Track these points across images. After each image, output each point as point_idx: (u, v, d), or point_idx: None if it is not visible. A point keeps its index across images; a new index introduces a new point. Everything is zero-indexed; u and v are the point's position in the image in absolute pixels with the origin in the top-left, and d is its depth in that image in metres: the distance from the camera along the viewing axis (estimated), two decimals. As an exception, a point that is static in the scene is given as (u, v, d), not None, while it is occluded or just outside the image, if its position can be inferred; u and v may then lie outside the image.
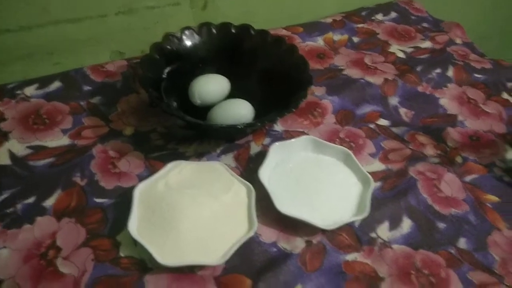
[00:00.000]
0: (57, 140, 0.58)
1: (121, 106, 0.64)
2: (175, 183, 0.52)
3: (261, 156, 0.58)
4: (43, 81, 0.66)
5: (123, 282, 0.45)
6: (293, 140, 0.59)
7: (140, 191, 0.50)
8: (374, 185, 0.55)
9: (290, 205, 0.51)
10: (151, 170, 0.56)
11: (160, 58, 0.61)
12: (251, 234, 0.48)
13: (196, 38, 0.65)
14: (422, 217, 0.55)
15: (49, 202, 0.51)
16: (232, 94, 0.63)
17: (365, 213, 0.51)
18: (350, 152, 0.58)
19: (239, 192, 0.53)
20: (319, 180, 0.55)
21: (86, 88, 0.66)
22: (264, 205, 0.52)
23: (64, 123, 0.61)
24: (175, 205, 0.49)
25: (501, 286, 0.49)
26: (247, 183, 0.53)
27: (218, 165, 0.56)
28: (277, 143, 0.58)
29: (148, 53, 0.60)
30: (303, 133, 0.64)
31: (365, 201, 0.53)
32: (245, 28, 0.66)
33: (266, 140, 0.62)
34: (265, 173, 0.54)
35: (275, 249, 0.50)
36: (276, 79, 0.63)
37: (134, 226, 0.47)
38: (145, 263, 0.47)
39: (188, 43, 0.65)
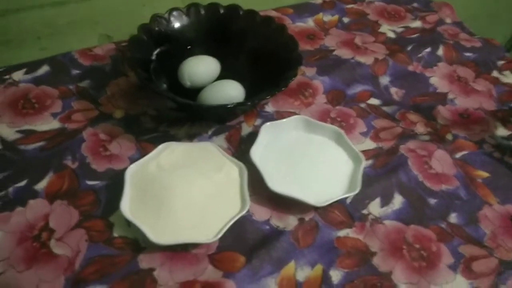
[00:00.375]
0: (47, 124, 0.58)
1: (110, 89, 0.64)
2: (166, 164, 0.52)
3: (253, 136, 0.58)
4: (31, 66, 0.65)
5: (116, 262, 0.46)
6: (284, 120, 0.59)
7: (131, 173, 0.50)
8: (365, 162, 0.55)
9: (282, 184, 0.52)
10: (143, 152, 0.56)
11: (148, 39, 0.60)
12: (244, 212, 0.48)
13: (184, 19, 0.65)
14: (413, 193, 0.56)
15: (41, 185, 0.51)
16: (222, 76, 0.63)
17: (356, 190, 0.52)
18: (341, 131, 0.58)
19: (231, 172, 0.53)
20: (310, 159, 0.56)
21: (75, 72, 0.66)
22: (256, 185, 0.52)
23: (53, 107, 0.60)
24: (167, 185, 0.49)
25: (491, 258, 0.50)
26: (239, 162, 0.54)
27: (210, 145, 0.56)
28: (268, 123, 0.58)
29: (136, 35, 0.59)
30: (294, 113, 0.64)
31: (357, 178, 0.53)
32: (233, 8, 0.66)
33: (258, 121, 0.62)
34: (257, 152, 0.55)
35: (267, 227, 0.50)
36: (266, 60, 0.63)
37: (127, 206, 0.47)
38: (138, 243, 0.47)
39: (176, 24, 0.64)
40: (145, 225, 0.45)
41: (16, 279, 0.43)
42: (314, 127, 0.59)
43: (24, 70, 0.65)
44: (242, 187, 0.51)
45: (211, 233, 0.46)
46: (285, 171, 0.54)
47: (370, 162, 0.58)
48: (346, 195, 0.52)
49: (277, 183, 0.51)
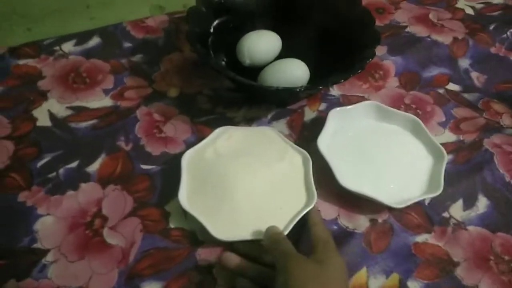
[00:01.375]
0: (99, 100, 0.54)
1: (164, 65, 0.59)
2: (224, 150, 0.48)
3: (316, 123, 0.53)
4: (81, 37, 0.62)
5: (173, 256, 0.42)
6: (354, 105, 0.53)
7: (187, 160, 0.46)
8: (447, 159, 0.49)
9: (352, 179, 0.46)
10: (199, 136, 0.51)
11: (207, 10, 0.55)
12: (311, 205, 0.43)
13: (247, -12, 0.59)
14: (500, 196, 0.49)
15: (93, 168, 0.48)
16: (283, 54, 0.57)
17: (439, 191, 0.46)
18: (419, 120, 0.52)
19: (294, 160, 0.48)
20: (384, 152, 0.50)
21: (127, 45, 0.61)
22: (322, 178, 0.47)
23: (105, 83, 0.56)
24: (227, 174, 0.45)
25: None
26: (302, 150, 0.49)
27: (269, 130, 0.51)
28: (337, 109, 0.52)
29: (194, 5, 0.54)
30: (363, 98, 0.57)
31: (438, 176, 0.47)
32: (300, -22, 0.59)
33: (322, 106, 0.56)
34: (324, 142, 0.49)
35: (335, 227, 0.45)
36: (334, 36, 0.57)
37: (184, 197, 0.43)
38: (196, 236, 0.43)
39: (237, -6, 0.58)
40: (206, 218, 0.42)
41: (69, 269, 0.41)
42: (387, 114, 0.53)
43: (74, 41, 0.61)
44: (307, 178, 0.47)
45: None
46: (355, 165, 0.49)
47: (450, 157, 0.51)
48: (426, 196, 0.46)
49: (347, 177, 0.46)
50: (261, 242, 0.40)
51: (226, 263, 0.40)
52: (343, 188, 0.45)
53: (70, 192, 0.46)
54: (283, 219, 0.43)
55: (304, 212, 0.43)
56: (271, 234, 0.39)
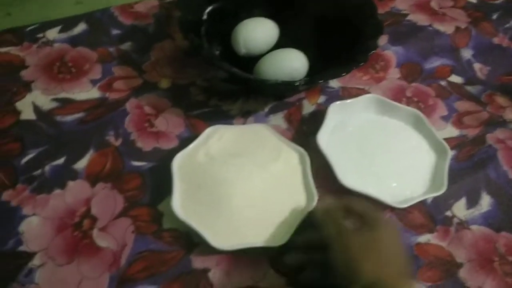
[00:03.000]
0: (85, 92, 0.51)
1: (154, 53, 0.56)
2: (216, 152, 0.45)
3: (315, 116, 0.51)
4: (67, 23, 0.58)
5: (167, 259, 0.40)
6: (354, 99, 0.51)
7: (179, 164, 0.44)
8: (451, 155, 0.47)
9: (354, 177, 0.45)
10: (192, 130, 0.49)
11: (200, -4, 0.52)
12: (312, 207, 0.42)
13: (242, -27, 0.55)
14: (503, 193, 0.48)
15: (80, 164, 0.45)
16: (281, 43, 0.55)
17: (442, 189, 0.44)
18: (422, 115, 0.50)
19: (290, 159, 0.46)
20: (385, 148, 0.48)
21: (115, 31, 0.58)
22: (320, 174, 0.45)
23: (92, 73, 0.53)
24: (222, 179, 0.42)
25: None
26: (298, 147, 0.46)
27: (262, 127, 0.49)
28: (336, 103, 0.50)
29: (187, -9, 0.51)
30: (363, 90, 0.55)
31: (441, 174, 0.46)
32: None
33: (321, 98, 0.54)
34: (323, 138, 0.47)
35: (336, 226, 0.44)
36: (334, 24, 0.54)
37: (178, 204, 0.41)
38: (190, 238, 0.41)
39: (232, -21, 0.55)
40: (203, 226, 0.39)
41: (57, 273, 0.39)
42: (389, 108, 0.51)
43: (59, 27, 0.57)
44: (305, 177, 0.45)
45: (276, 233, 0.40)
46: (356, 162, 0.47)
47: (453, 153, 0.50)
48: (430, 195, 0.44)
49: (348, 175, 0.44)
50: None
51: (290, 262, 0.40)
52: (345, 187, 0.44)
53: (57, 191, 0.43)
54: (283, 223, 0.41)
55: (304, 214, 0.41)
56: (324, 206, 0.39)
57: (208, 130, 0.47)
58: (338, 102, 0.50)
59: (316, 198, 0.42)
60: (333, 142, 0.48)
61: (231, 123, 0.50)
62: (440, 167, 0.47)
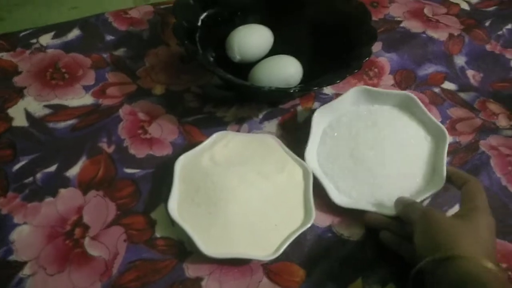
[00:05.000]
0: (78, 98, 0.51)
1: (149, 60, 0.56)
2: (221, 158, 0.45)
3: (310, 123, 0.50)
4: (60, 29, 0.58)
5: (160, 268, 0.40)
6: (340, 97, 0.50)
7: (181, 165, 0.43)
8: (449, 140, 0.47)
9: (349, 188, 0.45)
10: (186, 138, 0.49)
11: (194, 2, 0.52)
12: (308, 225, 0.41)
13: (236, -21, 0.56)
14: (496, 200, 0.48)
15: (72, 172, 0.45)
16: (275, 49, 0.55)
17: (441, 184, 0.44)
18: (413, 96, 0.49)
19: (294, 173, 0.45)
20: (379, 148, 0.46)
21: (109, 37, 0.58)
22: (316, 185, 0.45)
23: (86, 79, 0.53)
24: (222, 185, 0.42)
25: None
26: (304, 162, 0.46)
27: (270, 138, 0.48)
28: (319, 109, 0.49)
29: (181, -3, 0.51)
30: (357, 97, 0.55)
31: (440, 165, 0.46)
32: (293, -31, 0.56)
33: (315, 105, 0.54)
34: (312, 154, 0.47)
35: (330, 235, 0.44)
36: (329, 31, 0.54)
37: (174, 205, 0.41)
38: (184, 246, 0.41)
39: (227, -15, 0.55)
40: (195, 231, 0.39)
41: (48, 283, 0.38)
42: (378, 95, 0.50)
43: (53, 33, 0.57)
44: (306, 194, 0.44)
45: (269, 245, 0.40)
46: (350, 171, 0.46)
47: (447, 159, 0.49)
48: (429, 193, 0.45)
49: (343, 189, 0.45)
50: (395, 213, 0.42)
51: (369, 221, 0.43)
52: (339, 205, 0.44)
53: (49, 199, 0.43)
54: (277, 237, 0.41)
55: (300, 231, 0.41)
56: (404, 200, 0.41)
57: (216, 135, 0.47)
58: (320, 108, 0.49)
59: (313, 217, 0.42)
60: (323, 154, 0.48)
61: (225, 130, 0.50)
62: (439, 156, 0.47)
